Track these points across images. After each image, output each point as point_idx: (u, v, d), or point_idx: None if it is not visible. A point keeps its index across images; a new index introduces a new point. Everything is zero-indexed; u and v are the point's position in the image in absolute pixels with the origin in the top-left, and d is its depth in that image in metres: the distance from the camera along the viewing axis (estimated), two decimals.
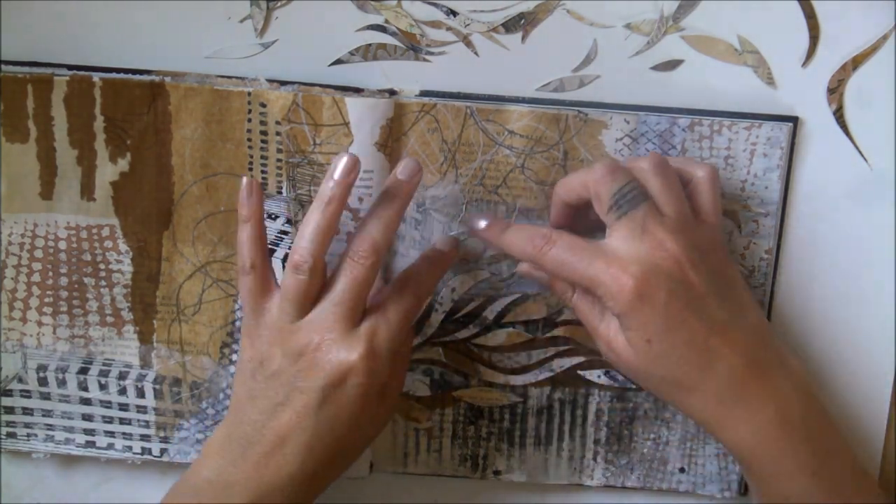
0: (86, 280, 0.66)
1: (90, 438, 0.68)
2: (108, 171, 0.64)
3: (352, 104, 0.62)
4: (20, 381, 0.67)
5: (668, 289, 0.54)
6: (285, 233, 0.64)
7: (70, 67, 0.63)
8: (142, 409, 0.68)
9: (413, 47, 0.64)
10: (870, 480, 0.59)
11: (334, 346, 0.56)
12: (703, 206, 0.59)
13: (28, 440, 0.68)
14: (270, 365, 0.58)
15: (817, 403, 0.58)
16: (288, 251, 0.64)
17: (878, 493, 0.59)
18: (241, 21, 0.63)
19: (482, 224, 0.62)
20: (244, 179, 0.59)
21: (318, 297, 0.58)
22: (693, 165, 0.60)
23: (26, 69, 0.63)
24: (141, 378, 0.67)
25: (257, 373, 0.58)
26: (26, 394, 0.68)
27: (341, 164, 0.57)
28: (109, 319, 0.67)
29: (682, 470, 0.68)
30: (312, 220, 0.57)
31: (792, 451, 0.56)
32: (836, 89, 0.64)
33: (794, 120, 0.64)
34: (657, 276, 0.54)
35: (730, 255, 0.61)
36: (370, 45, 0.64)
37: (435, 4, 0.63)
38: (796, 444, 0.56)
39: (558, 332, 0.67)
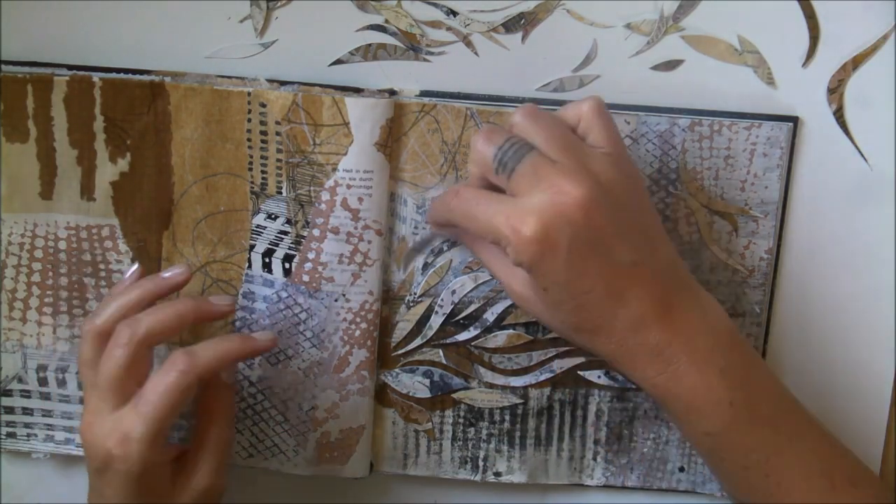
0: (86, 280, 0.66)
1: None
2: (108, 171, 0.64)
3: (352, 104, 0.62)
4: (20, 381, 0.67)
5: (569, 235, 0.51)
6: (285, 233, 0.64)
7: (70, 67, 0.63)
8: None
9: (413, 47, 0.64)
10: (800, 408, 0.57)
11: (98, 431, 0.57)
12: (599, 139, 0.55)
13: (28, 440, 0.68)
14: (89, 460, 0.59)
15: (731, 336, 0.55)
16: (287, 251, 0.64)
17: (809, 420, 0.57)
18: (241, 21, 0.63)
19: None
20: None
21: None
22: (576, 104, 0.56)
23: (26, 69, 0.63)
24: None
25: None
26: (26, 394, 0.67)
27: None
28: None
29: (681, 469, 0.68)
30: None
31: (704, 384, 0.54)
32: (836, 89, 0.64)
33: (794, 120, 0.64)
34: (557, 223, 0.51)
35: (643, 187, 0.58)
36: (370, 45, 0.64)
37: (435, 4, 0.63)
38: (709, 377, 0.54)
39: None
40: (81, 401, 0.67)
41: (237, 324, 0.66)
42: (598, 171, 0.53)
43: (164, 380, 0.56)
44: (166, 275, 0.60)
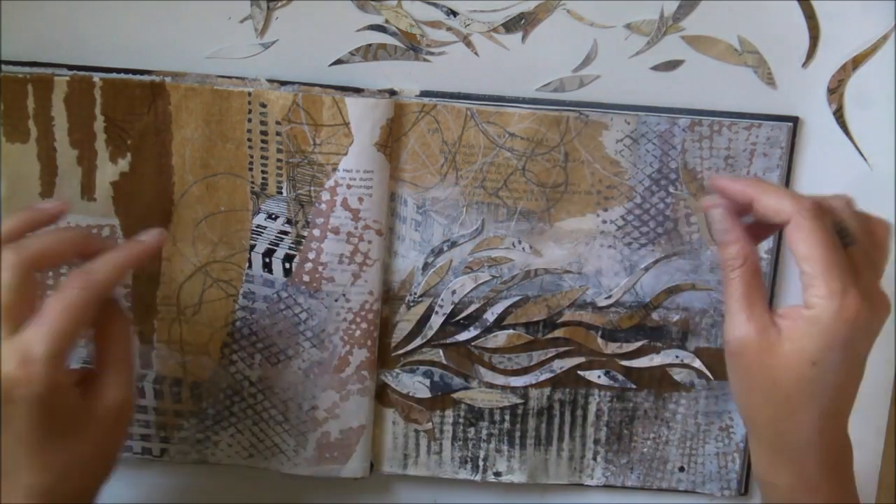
0: None
1: None
2: (108, 171, 0.64)
3: (352, 104, 0.62)
4: None
5: (872, 336, 0.53)
6: (285, 233, 0.64)
7: (70, 67, 0.63)
8: (142, 409, 0.68)
9: (413, 47, 0.64)
10: None
11: None
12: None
13: None
14: None
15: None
16: (288, 251, 0.64)
17: None
18: (241, 21, 0.63)
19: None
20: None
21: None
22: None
23: (26, 69, 0.63)
24: (141, 378, 0.67)
25: None
26: None
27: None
28: None
29: (681, 469, 0.68)
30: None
31: None
32: (836, 89, 0.64)
33: (794, 120, 0.64)
34: (880, 318, 0.53)
35: None
36: (370, 45, 0.64)
37: (435, 4, 0.63)
38: None
39: (558, 333, 0.67)
40: None
41: (237, 324, 0.66)
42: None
43: (63, 297, 0.53)
44: (44, 205, 0.57)
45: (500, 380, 0.68)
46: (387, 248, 0.65)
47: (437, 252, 0.66)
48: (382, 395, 0.68)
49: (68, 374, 0.54)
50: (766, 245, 0.65)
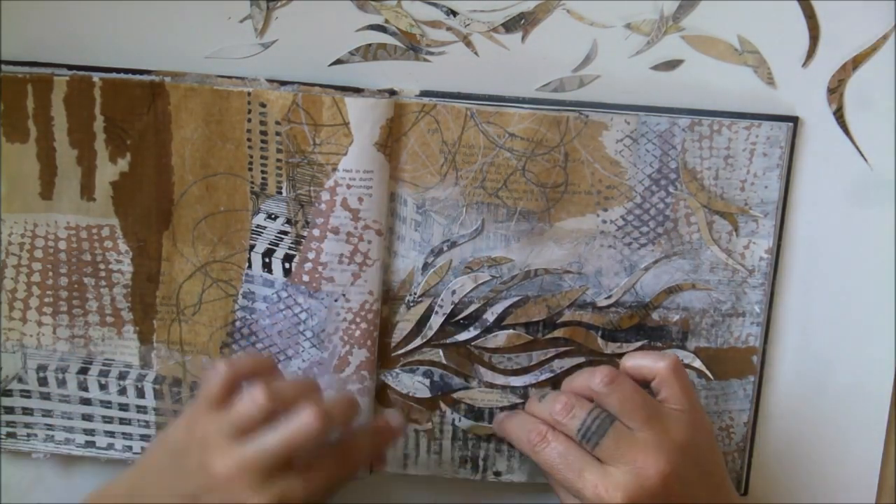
0: (86, 280, 0.66)
1: (90, 438, 0.68)
2: (108, 171, 0.64)
3: (352, 104, 0.62)
4: (20, 381, 0.67)
5: None
6: (285, 233, 0.64)
7: (70, 67, 0.63)
8: (142, 409, 0.68)
9: (413, 47, 0.64)
10: None
11: (244, 489, 0.56)
12: (674, 397, 0.59)
13: (28, 440, 0.68)
14: (187, 461, 0.57)
15: None
16: (287, 251, 0.64)
17: None
18: (241, 21, 0.63)
19: (498, 417, 0.66)
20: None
21: (260, 428, 0.57)
22: (652, 360, 0.60)
23: (26, 69, 0.63)
24: (141, 378, 0.67)
25: (175, 454, 0.58)
26: (26, 394, 0.68)
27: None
28: (109, 319, 0.67)
29: None
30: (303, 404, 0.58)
31: None
32: (836, 89, 0.64)
33: (794, 120, 0.64)
34: (640, 496, 0.56)
35: (712, 429, 0.63)
36: (370, 45, 0.64)
37: (435, 4, 0.63)
38: None
39: (558, 333, 0.67)
40: (81, 401, 0.67)
41: (237, 324, 0.66)
42: (675, 436, 0.58)
43: (332, 471, 0.59)
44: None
45: (499, 380, 0.68)
46: (387, 248, 0.65)
47: (437, 252, 0.66)
48: (382, 395, 0.68)
49: None
50: (766, 245, 0.65)
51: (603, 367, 0.59)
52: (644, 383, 0.60)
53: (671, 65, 0.64)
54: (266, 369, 0.60)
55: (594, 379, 0.59)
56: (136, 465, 0.60)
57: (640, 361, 0.61)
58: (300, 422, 0.56)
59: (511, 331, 0.67)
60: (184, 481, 0.57)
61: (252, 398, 0.57)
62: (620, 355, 0.67)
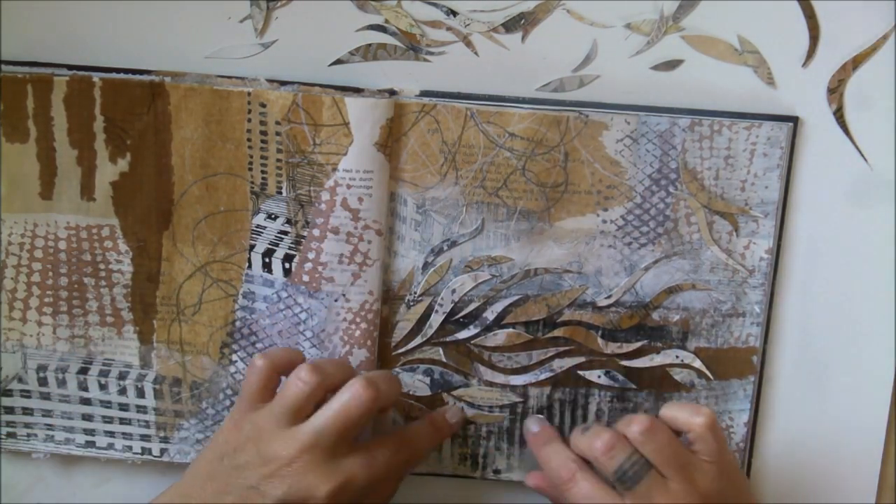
0: (86, 280, 0.66)
1: (90, 438, 0.68)
2: (107, 171, 0.64)
3: (352, 104, 0.62)
4: (20, 381, 0.67)
5: None
6: (285, 233, 0.64)
7: (70, 67, 0.63)
8: (142, 409, 0.68)
9: (413, 47, 0.64)
10: None
11: (309, 471, 0.56)
12: (708, 452, 0.60)
13: (28, 440, 0.68)
14: (241, 456, 0.58)
15: None
16: (287, 251, 0.64)
17: None
18: (241, 21, 0.63)
19: (534, 429, 0.66)
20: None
21: (313, 411, 0.58)
22: (689, 413, 0.61)
23: (26, 69, 0.63)
24: (141, 378, 0.67)
25: (226, 457, 0.58)
26: (26, 394, 0.68)
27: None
28: (109, 319, 0.67)
29: None
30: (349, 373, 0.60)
31: None
32: (836, 89, 0.64)
33: (794, 120, 0.64)
34: None
35: (743, 482, 0.64)
36: (370, 45, 0.64)
37: (435, 4, 0.63)
38: None
39: (558, 332, 0.67)
40: (81, 401, 0.67)
41: (237, 324, 0.66)
42: (703, 488, 0.59)
43: (394, 458, 0.60)
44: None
45: (499, 378, 0.68)
46: (387, 248, 0.65)
47: (437, 252, 0.66)
48: None
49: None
50: (766, 245, 0.65)
51: (641, 416, 0.60)
52: (678, 431, 0.60)
53: (671, 65, 0.64)
54: (299, 360, 0.61)
55: (632, 427, 0.59)
56: (184, 475, 0.61)
57: (678, 413, 0.61)
58: (351, 393, 0.57)
59: (511, 329, 0.67)
60: (242, 476, 0.57)
61: (299, 378, 0.58)
62: (620, 355, 0.67)
